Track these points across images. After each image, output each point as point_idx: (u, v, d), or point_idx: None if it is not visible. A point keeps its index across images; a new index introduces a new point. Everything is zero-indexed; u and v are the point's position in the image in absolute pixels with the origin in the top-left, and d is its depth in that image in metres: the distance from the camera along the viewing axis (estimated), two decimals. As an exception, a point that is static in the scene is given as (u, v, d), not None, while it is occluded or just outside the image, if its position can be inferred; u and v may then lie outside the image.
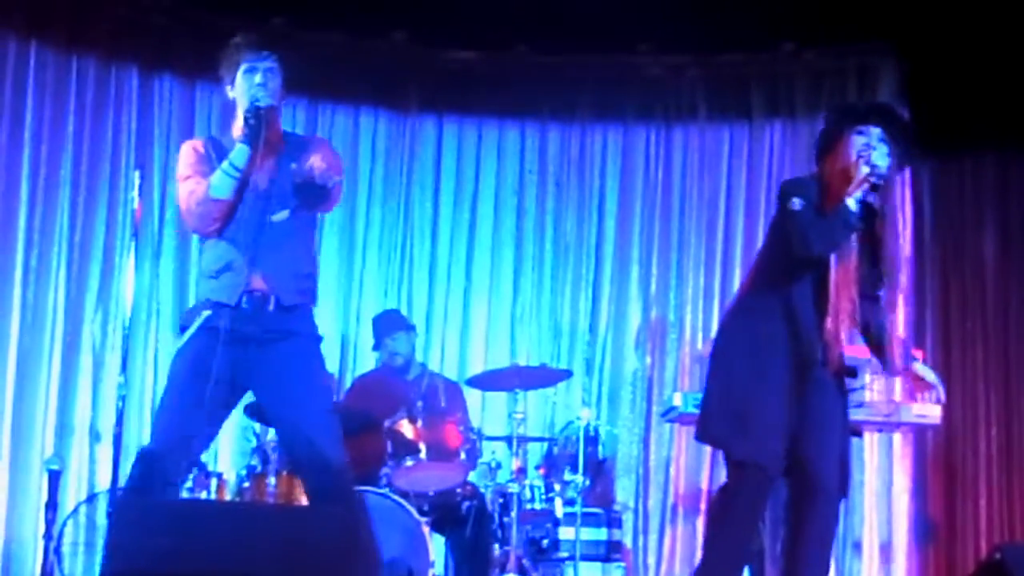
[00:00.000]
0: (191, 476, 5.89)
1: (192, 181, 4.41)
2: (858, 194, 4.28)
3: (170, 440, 4.23)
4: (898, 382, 7.01)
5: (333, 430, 4.37)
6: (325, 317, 7.57)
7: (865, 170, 4.27)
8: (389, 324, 6.99)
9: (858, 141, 4.34)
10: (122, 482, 4.42)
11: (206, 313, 4.35)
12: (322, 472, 4.29)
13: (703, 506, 7.35)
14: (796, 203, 4.31)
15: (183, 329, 4.42)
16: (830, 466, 4.38)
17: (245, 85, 4.40)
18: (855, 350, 6.43)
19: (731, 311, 4.66)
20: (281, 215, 4.36)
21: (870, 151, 4.31)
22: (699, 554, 4.60)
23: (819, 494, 4.37)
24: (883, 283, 4.42)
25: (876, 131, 4.36)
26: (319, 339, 4.52)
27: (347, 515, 4.04)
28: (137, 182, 5.21)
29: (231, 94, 4.49)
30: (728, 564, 4.44)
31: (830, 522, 4.45)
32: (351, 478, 4.45)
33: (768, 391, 4.31)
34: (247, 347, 4.28)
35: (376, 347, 7.03)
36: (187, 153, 4.52)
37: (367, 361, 7.49)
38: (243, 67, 4.42)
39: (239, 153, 4.34)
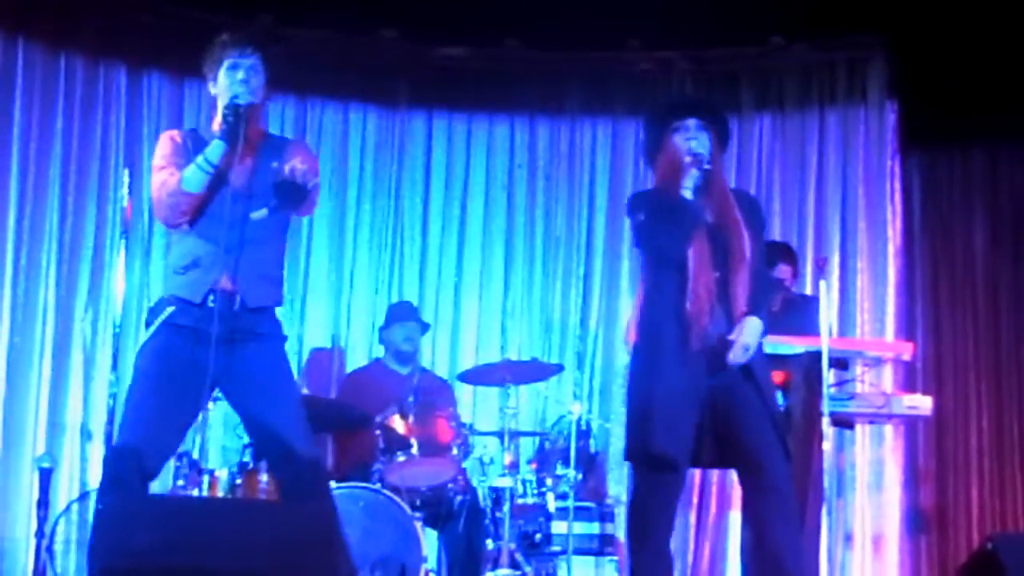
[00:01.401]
0: (183, 473, 5.89)
1: (165, 172, 4.40)
2: (689, 182, 4.56)
3: (139, 436, 4.22)
4: (889, 375, 7.06)
5: (303, 427, 4.38)
6: (315, 313, 7.60)
7: (688, 159, 4.55)
8: (413, 312, 7.02)
9: (678, 138, 4.60)
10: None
11: (170, 309, 4.35)
12: (295, 468, 4.32)
13: (695, 499, 7.35)
14: (639, 216, 4.65)
15: (147, 324, 4.42)
16: (771, 453, 4.47)
17: (227, 82, 4.40)
18: (846, 342, 6.48)
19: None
20: (260, 213, 4.32)
21: (689, 143, 4.58)
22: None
23: (768, 481, 4.45)
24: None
25: (692, 122, 4.63)
26: (284, 339, 4.54)
27: (326, 510, 4.07)
28: (126, 180, 5.21)
29: (213, 90, 4.48)
30: (657, 569, 4.53)
31: (789, 503, 4.51)
32: (323, 472, 4.47)
33: (661, 385, 4.47)
34: (214, 346, 4.23)
35: (386, 327, 7.00)
36: (164, 143, 4.51)
37: (358, 356, 7.50)
38: (226, 64, 4.41)
39: (214, 148, 4.33)
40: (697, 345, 4.46)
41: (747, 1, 7.15)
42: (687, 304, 4.48)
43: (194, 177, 4.34)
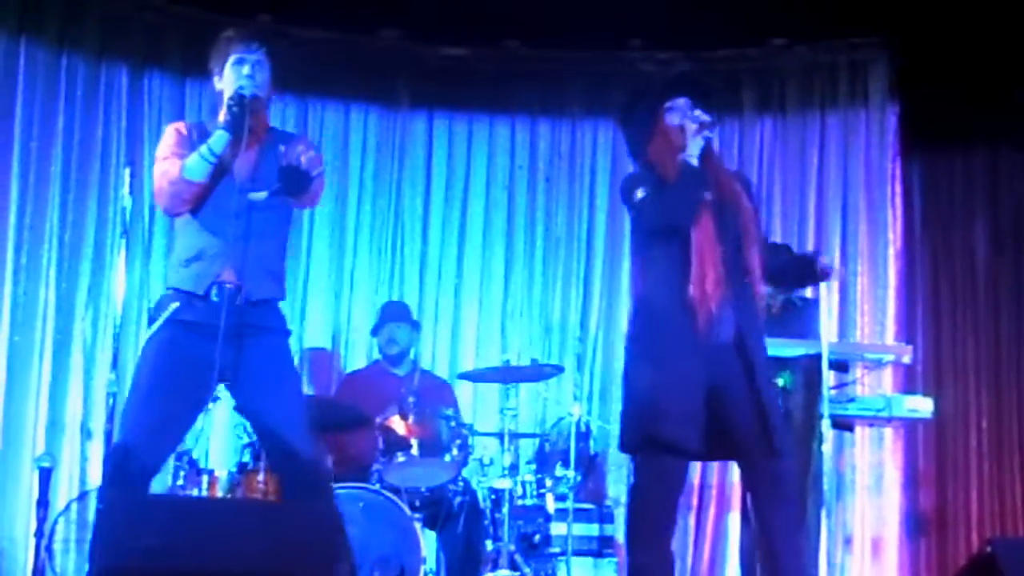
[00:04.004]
0: (182, 473, 5.89)
1: (168, 161, 4.41)
2: (695, 150, 4.41)
3: (143, 433, 4.23)
4: (889, 377, 7.06)
5: (306, 424, 4.39)
6: (315, 313, 7.60)
7: (694, 126, 4.42)
8: (395, 312, 7.01)
9: (673, 117, 4.48)
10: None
11: (174, 305, 4.34)
12: (296, 465, 4.32)
13: (694, 501, 7.35)
14: (640, 192, 4.44)
15: (151, 320, 4.42)
16: (762, 451, 4.36)
17: (232, 76, 4.40)
18: (845, 345, 6.47)
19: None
20: (260, 195, 4.33)
21: (690, 115, 4.45)
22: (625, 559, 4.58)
23: (770, 479, 4.38)
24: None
25: (683, 101, 4.50)
26: (288, 333, 4.54)
27: (328, 510, 4.07)
28: (127, 179, 5.21)
29: (219, 85, 4.48)
30: (658, 568, 4.42)
31: (789, 499, 4.42)
32: (325, 470, 4.46)
33: (663, 373, 4.33)
34: (217, 341, 4.22)
35: (374, 331, 7.01)
36: (169, 134, 4.52)
37: (358, 357, 7.50)
38: (232, 59, 4.42)
39: (218, 139, 4.34)
40: (704, 329, 4.30)
41: (749, 2, 7.14)
42: (690, 288, 4.31)
43: (196, 166, 4.34)
